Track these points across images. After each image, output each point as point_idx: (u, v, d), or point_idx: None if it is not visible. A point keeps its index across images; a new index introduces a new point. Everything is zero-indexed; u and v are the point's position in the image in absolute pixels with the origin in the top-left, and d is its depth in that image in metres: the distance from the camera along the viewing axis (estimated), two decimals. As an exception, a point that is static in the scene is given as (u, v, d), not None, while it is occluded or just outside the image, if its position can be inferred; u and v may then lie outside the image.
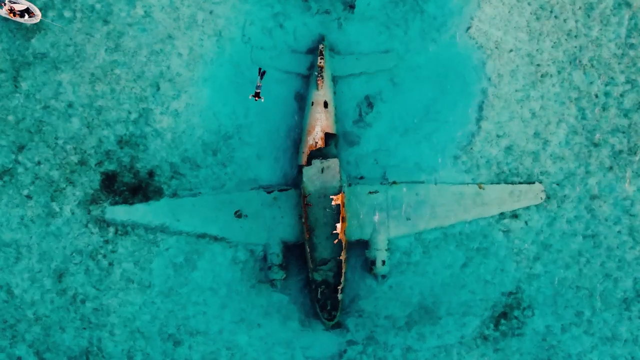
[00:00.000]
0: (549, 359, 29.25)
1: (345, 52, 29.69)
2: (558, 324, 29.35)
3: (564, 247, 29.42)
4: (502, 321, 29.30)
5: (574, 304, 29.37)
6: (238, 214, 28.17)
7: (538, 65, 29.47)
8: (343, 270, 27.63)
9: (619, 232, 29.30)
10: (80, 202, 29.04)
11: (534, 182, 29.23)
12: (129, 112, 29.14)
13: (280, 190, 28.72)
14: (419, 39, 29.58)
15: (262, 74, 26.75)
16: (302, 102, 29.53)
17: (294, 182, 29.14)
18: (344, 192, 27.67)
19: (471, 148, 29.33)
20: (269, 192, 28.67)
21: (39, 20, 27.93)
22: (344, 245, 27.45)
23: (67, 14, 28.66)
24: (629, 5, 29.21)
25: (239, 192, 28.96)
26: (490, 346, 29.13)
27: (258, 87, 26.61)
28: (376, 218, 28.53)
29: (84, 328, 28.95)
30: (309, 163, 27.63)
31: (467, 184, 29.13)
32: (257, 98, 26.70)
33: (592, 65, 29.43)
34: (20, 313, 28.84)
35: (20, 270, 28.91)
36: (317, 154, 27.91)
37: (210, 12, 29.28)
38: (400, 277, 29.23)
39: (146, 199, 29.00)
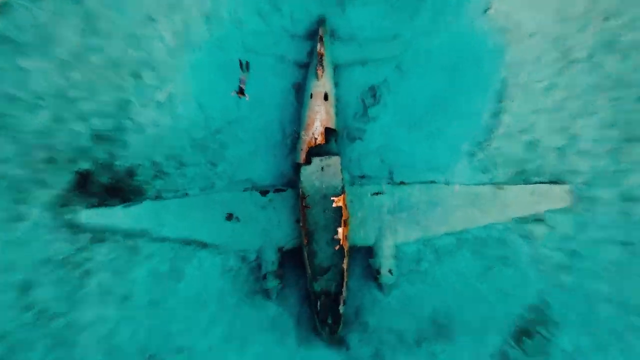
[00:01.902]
0: (576, 381, 27.41)
1: (348, 38, 28.57)
2: (588, 342, 27.41)
3: (595, 255, 27.50)
4: (524, 339, 27.47)
5: (607, 321, 27.43)
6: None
7: (565, 50, 27.58)
8: (345, 280, 25.92)
9: (656, 238, 27.21)
10: (50, 204, 27.15)
11: (559, 182, 27.64)
12: (106, 104, 27.40)
13: (276, 191, 27.63)
14: (429, 23, 28.16)
15: (246, 66, 25.19)
16: (299, 93, 28.33)
17: (291, 182, 27.98)
18: (345, 193, 26.23)
19: (488, 144, 27.76)
20: (263, 193, 27.55)
21: None
22: (346, 252, 25.77)
23: (36, -7, 26.62)
24: (669, -20, 27.13)
25: (231, 193, 27.75)
26: (511, 366, 27.33)
27: (242, 82, 25.09)
28: (382, 222, 27.27)
29: (55, 345, 26.92)
30: (307, 161, 26.23)
31: (484, 184, 27.68)
32: (241, 95, 25.28)
33: (629, 50, 27.31)
34: (-16, 329, 26.89)
35: (-18, 282, 26.90)
36: (316, 151, 26.57)
37: (198, -8, 27.54)
38: (408, 288, 27.70)
39: (125, 201, 27.53)
